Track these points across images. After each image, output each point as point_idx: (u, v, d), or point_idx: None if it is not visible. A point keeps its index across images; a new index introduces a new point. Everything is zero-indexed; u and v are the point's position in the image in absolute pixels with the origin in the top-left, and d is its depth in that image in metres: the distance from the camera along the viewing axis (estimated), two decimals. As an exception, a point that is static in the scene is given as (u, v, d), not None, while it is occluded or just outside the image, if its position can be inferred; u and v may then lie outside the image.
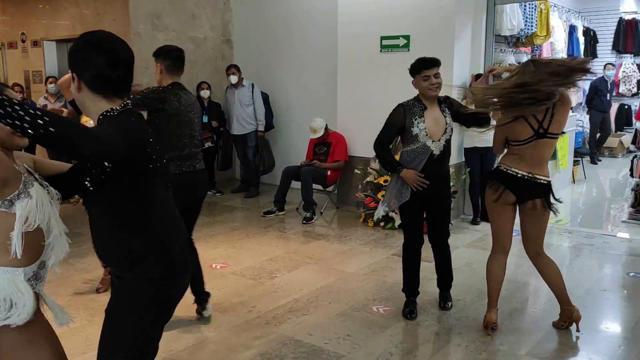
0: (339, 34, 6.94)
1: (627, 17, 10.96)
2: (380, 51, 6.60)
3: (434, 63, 3.69)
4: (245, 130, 7.69)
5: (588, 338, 3.60)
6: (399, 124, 3.75)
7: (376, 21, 6.60)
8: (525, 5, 6.97)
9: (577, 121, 9.42)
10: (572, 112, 9.84)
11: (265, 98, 7.97)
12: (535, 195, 3.45)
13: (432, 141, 3.71)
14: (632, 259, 5.17)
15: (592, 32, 11.19)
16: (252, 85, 7.74)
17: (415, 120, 3.70)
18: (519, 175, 3.44)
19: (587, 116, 10.42)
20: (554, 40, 9.09)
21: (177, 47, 3.83)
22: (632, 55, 11.20)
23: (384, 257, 5.22)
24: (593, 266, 5.07)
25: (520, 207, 3.54)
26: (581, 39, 10.53)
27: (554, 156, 7.77)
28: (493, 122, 3.69)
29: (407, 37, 6.42)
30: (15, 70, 9.35)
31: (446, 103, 3.83)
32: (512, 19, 6.66)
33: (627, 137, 10.85)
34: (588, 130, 10.56)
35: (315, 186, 6.93)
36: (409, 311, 3.92)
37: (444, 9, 6.13)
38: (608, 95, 10.00)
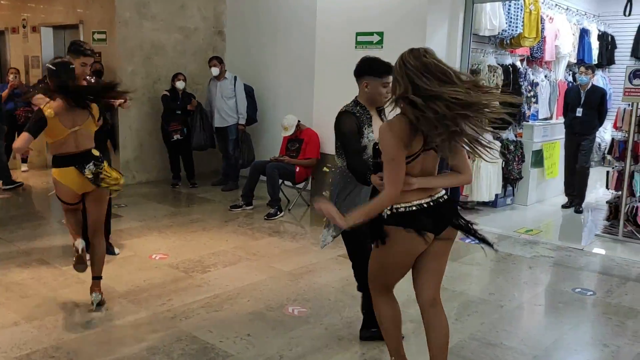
0: (317, 30, 6.84)
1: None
2: (356, 47, 6.45)
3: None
4: (226, 123, 7.65)
5: (498, 353, 3.41)
6: (356, 132, 3.20)
7: (352, 16, 6.45)
8: (509, 5, 6.67)
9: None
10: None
11: (250, 91, 7.90)
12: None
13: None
14: (586, 274, 4.89)
15: (609, 37, 10.71)
16: (235, 77, 7.68)
17: (365, 130, 3.23)
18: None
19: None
20: (558, 43, 8.71)
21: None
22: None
23: (329, 257, 5.07)
24: (540, 280, 4.81)
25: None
26: (595, 44, 10.07)
27: (540, 164, 7.46)
28: None
29: (380, 34, 6.25)
30: (17, 55, 9.56)
31: (384, 112, 3.34)
32: (493, 19, 6.37)
33: None
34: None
35: (287, 182, 6.84)
36: None
37: (416, 6, 5.94)
38: (581, 110, 6.86)
